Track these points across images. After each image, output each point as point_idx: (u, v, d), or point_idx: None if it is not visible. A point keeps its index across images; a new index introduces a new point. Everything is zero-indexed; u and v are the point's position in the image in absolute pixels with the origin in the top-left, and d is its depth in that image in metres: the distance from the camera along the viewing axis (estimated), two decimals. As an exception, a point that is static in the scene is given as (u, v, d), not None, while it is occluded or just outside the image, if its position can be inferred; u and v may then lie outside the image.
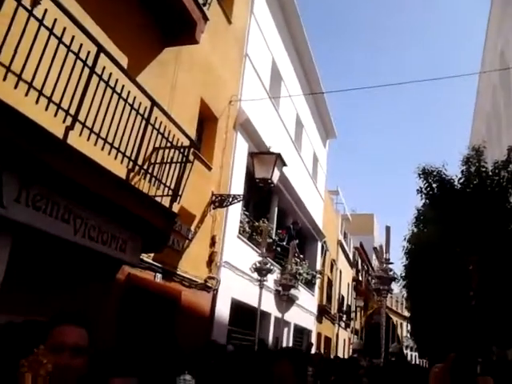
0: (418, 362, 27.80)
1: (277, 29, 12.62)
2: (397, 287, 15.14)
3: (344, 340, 26.51)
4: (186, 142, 6.01)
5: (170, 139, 5.59)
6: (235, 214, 9.75)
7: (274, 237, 12.59)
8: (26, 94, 3.66)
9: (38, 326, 1.90)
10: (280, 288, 9.42)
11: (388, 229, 5.49)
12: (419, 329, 15.02)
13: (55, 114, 3.94)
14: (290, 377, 2.52)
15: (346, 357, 20.70)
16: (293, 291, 11.40)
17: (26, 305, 4.16)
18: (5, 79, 3.49)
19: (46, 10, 3.83)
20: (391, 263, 4.96)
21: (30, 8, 3.74)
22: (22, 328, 2.41)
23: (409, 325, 23.57)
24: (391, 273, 5.03)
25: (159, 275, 6.87)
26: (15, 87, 3.58)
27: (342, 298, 25.26)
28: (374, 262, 34.07)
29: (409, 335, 27.46)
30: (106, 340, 5.28)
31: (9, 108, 3.37)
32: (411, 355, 40.45)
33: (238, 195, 8.90)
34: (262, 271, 7.66)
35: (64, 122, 4.07)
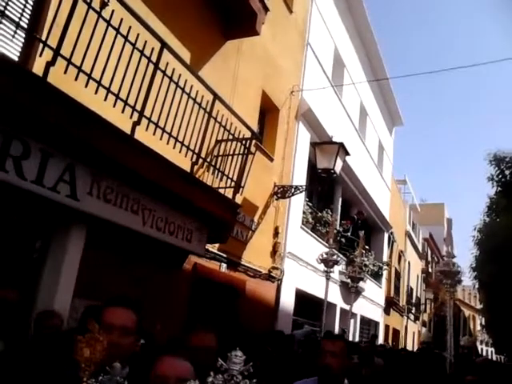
0: (494, 359, 26.50)
1: (339, 15, 12.36)
2: (468, 279, 14.51)
3: (413, 333, 25.79)
4: (248, 134, 6.07)
5: (232, 131, 5.67)
6: (298, 204, 9.73)
7: (338, 228, 12.44)
8: (96, 92, 3.85)
9: (96, 309, 2.07)
10: (348, 280, 9.30)
11: (449, 221, 5.27)
12: (495, 323, 14.32)
13: (122, 111, 4.12)
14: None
15: (414, 349, 20.12)
16: (359, 283, 11.25)
17: (102, 291, 4.40)
18: (76, 79, 3.69)
19: (113, 11, 4.00)
20: (454, 257, 4.74)
21: (98, 10, 3.91)
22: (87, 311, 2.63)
23: (483, 318, 22.50)
24: (455, 267, 4.81)
25: (224, 265, 7.01)
26: (86, 86, 3.77)
27: (411, 289, 24.54)
28: (445, 254, 32.69)
29: (483, 329, 26.22)
30: (177, 326, 5.50)
31: (80, 105, 3.57)
32: (486, 350, 38.64)
33: (301, 186, 8.87)
34: (328, 262, 7.58)
35: (131, 117, 4.25)
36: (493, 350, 27.60)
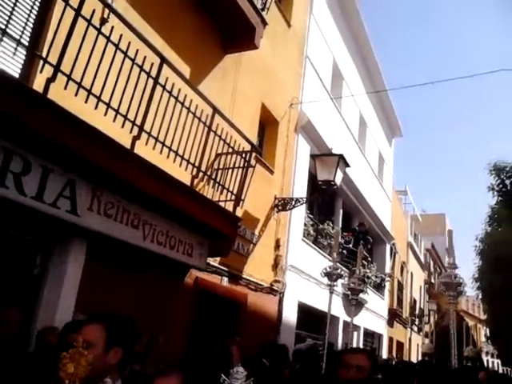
0: (501, 371, 26.21)
1: (337, 28, 12.47)
2: (471, 289, 14.43)
3: (417, 344, 25.55)
4: (248, 147, 6.09)
5: (232, 145, 5.69)
6: (299, 217, 9.72)
7: (340, 239, 12.38)
8: (96, 107, 3.87)
9: (76, 324, 2.10)
10: (348, 292, 9.22)
11: (450, 232, 5.22)
12: (500, 333, 14.20)
13: (122, 125, 4.14)
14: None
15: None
16: (361, 295, 11.15)
17: (103, 306, 4.38)
18: (76, 94, 3.71)
19: (112, 27, 4.04)
20: (456, 267, 4.71)
21: (98, 26, 3.95)
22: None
23: (487, 329, 22.33)
24: (457, 278, 4.75)
25: (225, 279, 6.98)
26: (86, 101, 3.79)
27: (414, 301, 24.38)
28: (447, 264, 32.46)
29: (488, 340, 25.99)
30: (181, 340, 5.47)
31: (80, 121, 3.58)
32: (492, 362, 38.24)
33: (301, 198, 8.86)
34: (332, 276, 7.51)
35: (131, 132, 4.27)
36: (499, 361, 27.31)
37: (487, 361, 36.68)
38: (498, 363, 31.53)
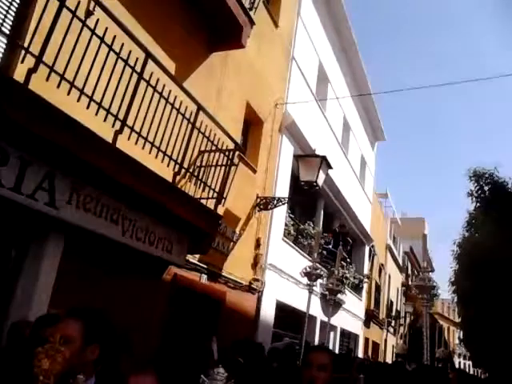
0: (472, 372, 26.71)
1: (324, 30, 12.53)
2: (447, 293, 14.68)
3: (392, 346, 25.89)
4: (231, 146, 6.08)
5: (216, 142, 5.68)
6: (280, 216, 9.75)
7: (320, 240, 12.47)
8: (78, 100, 3.83)
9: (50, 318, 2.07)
10: (326, 292, 9.30)
11: (425, 237, 5.36)
12: (472, 336, 14.48)
13: (105, 119, 4.10)
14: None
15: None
16: (339, 295, 11.26)
17: (79, 301, 4.33)
18: (58, 86, 3.66)
19: (97, 20, 4.00)
20: (430, 271, 4.83)
21: (83, 18, 3.90)
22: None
23: (461, 331, 22.74)
24: (431, 282, 4.86)
25: (204, 276, 6.97)
26: (68, 94, 3.74)
27: (391, 303, 24.69)
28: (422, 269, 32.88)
29: (461, 343, 26.45)
30: (155, 337, 5.44)
31: (61, 113, 3.54)
32: (464, 364, 38.96)
33: (283, 198, 8.90)
34: (311, 276, 7.56)
35: (113, 126, 4.23)
36: (470, 363, 27.84)
37: (459, 362, 37.39)
38: (469, 365, 32.13)
